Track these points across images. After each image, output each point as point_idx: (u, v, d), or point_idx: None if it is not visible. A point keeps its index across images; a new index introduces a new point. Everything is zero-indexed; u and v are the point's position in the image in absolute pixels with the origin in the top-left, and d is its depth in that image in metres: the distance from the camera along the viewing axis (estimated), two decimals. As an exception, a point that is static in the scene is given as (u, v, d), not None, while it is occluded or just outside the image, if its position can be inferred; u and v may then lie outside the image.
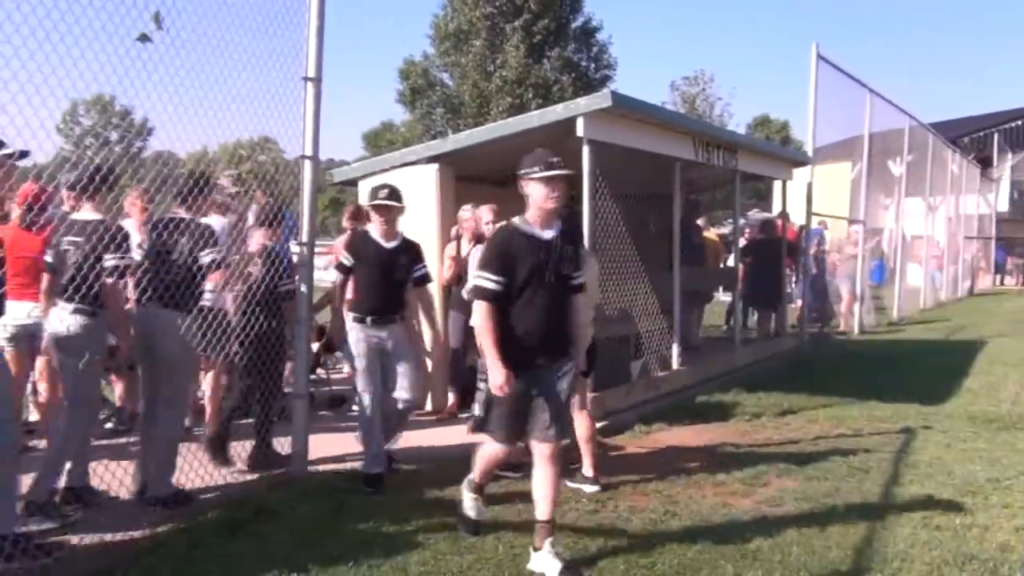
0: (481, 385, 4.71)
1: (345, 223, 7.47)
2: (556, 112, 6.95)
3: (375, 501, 4.92)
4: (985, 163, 29.14)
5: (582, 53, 36.78)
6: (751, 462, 5.91)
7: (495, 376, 3.91)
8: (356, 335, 5.44)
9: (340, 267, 5.59)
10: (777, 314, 11.89)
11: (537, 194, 4.02)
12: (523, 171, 4.04)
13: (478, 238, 6.76)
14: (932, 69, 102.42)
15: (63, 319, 4.56)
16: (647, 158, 7.71)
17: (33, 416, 6.19)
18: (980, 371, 10.16)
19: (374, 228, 5.53)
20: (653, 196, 9.38)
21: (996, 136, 32.19)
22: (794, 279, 13.48)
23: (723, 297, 14.50)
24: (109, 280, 4.54)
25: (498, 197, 7.17)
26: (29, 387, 6.00)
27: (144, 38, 4.16)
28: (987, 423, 7.35)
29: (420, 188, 7.39)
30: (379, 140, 45.82)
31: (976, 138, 33.17)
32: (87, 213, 4.69)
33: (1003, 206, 30.87)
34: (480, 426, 4.22)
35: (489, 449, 4.25)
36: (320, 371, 7.92)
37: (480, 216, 6.81)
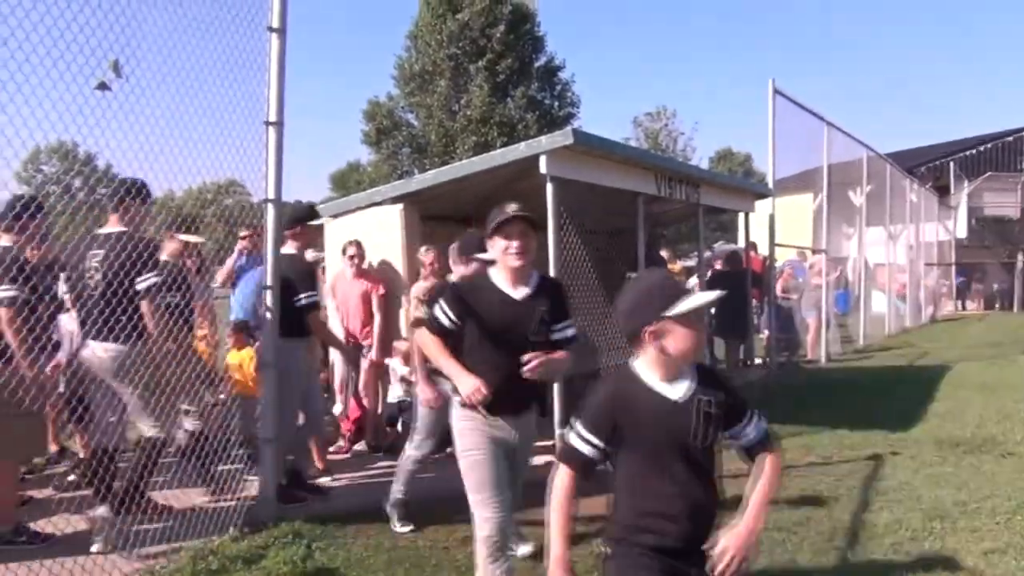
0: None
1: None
2: (519, 151, 7.00)
3: (343, 546, 4.86)
4: (942, 191, 29.73)
5: (545, 91, 37.19)
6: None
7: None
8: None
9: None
10: (745, 344, 11.97)
11: None
12: None
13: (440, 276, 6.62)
14: (889, 100, 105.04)
15: None
16: (611, 193, 7.79)
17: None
18: (945, 396, 10.28)
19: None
20: (617, 230, 9.45)
21: (952, 165, 32.93)
22: (761, 310, 13.60)
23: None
24: None
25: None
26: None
27: (103, 86, 4.14)
28: (953, 447, 7.43)
29: (386, 228, 7.42)
30: (346, 180, 45.85)
31: (932, 167, 33.91)
32: None
33: (962, 232, 31.42)
34: None
35: None
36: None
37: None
